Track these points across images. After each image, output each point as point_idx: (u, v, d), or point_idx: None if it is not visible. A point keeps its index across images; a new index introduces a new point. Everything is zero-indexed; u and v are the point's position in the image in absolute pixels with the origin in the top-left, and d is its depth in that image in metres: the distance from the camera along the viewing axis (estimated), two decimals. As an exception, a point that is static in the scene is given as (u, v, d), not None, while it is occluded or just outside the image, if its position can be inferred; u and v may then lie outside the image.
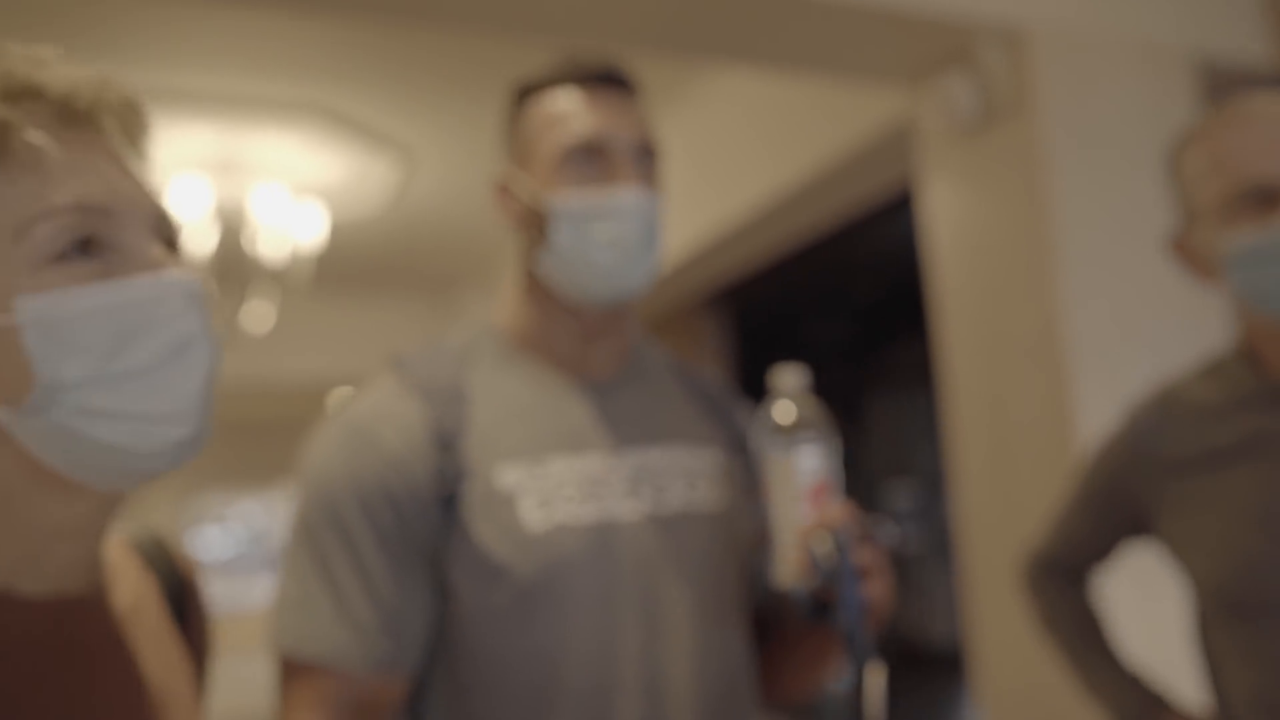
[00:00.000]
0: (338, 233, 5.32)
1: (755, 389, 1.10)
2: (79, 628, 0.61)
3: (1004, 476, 2.45)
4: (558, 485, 0.99)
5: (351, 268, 6.33)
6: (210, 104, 3.91)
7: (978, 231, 2.55)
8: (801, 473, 0.91)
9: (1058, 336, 2.28)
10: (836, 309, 8.02)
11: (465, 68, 3.71)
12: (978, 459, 2.55)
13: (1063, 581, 1.38)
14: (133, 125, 0.61)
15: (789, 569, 0.91)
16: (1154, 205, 2.40)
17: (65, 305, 0.55)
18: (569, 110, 1.01)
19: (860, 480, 8.70)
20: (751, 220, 3.87)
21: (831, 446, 0.94)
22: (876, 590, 0.90)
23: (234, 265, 4.81)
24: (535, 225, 1.03)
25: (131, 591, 0.67)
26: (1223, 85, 2.76)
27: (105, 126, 0.59)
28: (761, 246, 4.39)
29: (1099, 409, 2.24)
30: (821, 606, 0.89)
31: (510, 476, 0.98)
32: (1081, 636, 1.35)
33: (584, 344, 1.07)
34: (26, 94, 0.57)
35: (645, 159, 1.03)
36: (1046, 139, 2.35)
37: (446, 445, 0.98)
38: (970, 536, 2.58)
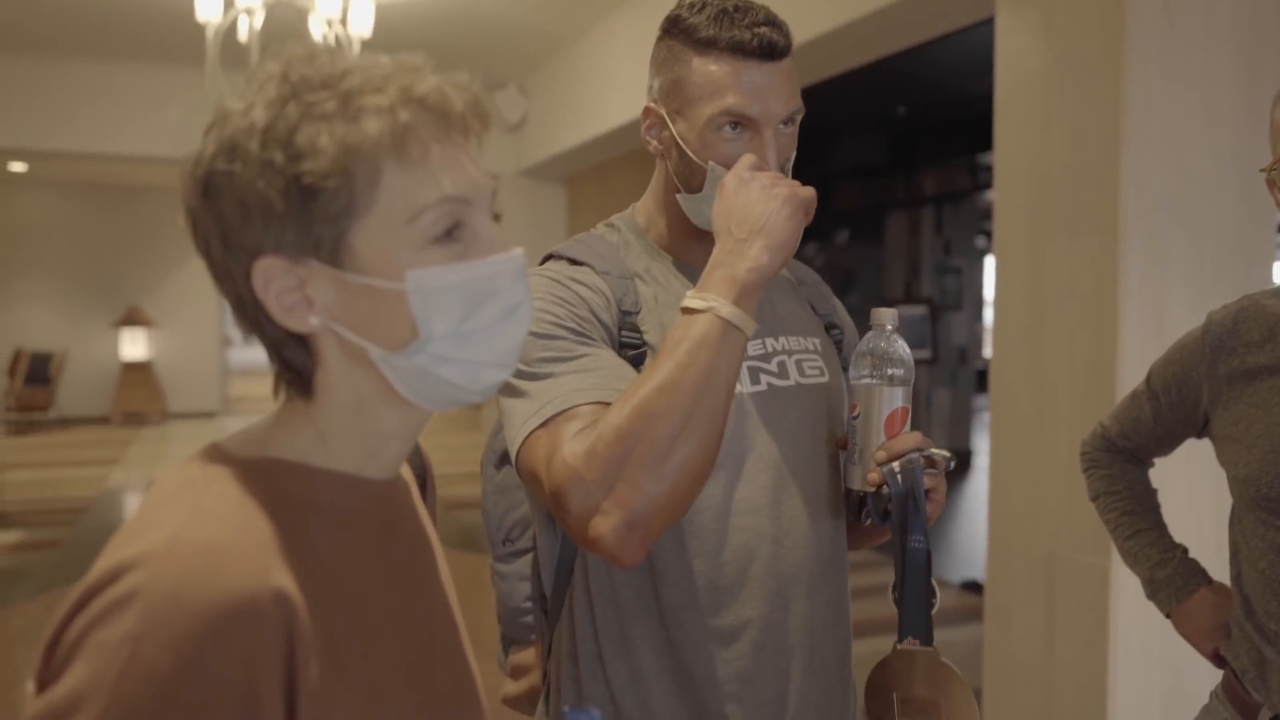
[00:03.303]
0: (384, 21, 5.24)
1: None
2: (398, 504, 0.80)
3: (1040, 325, 2.62)
4: None
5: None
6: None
7: (1046, 88, 2.60)
8: (886, 401, 1.09)
9: (1113, 206, 2.39)
10: (867, 130, 7.95)
11: None
12: (1018, 302, 2.71)
13: (1122, 460, 1.51)
14: (480, 124, 0.73)
15: (866, 477, 1.10)
16: (1229, 89, 2.45)
17: (441, 278, 0.69)
18: (725, 83, 1.10)
19: (873, 301, 8.89)
20: (811, 41, 3.84)
21: (911, 382, 1.12)
22: (933, 508, 1.09)
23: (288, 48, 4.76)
24: (681, 164, 1.15)
25: (405, 475, 0.84)
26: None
27: (465, 128, 0.72)
28: (813, 67, 4.37)
29: (1141, 280, 2.38)
30: (887, 512, 1.09)
31: None
32: (1132, 510, 1.48)
33: (712, 246, 1.20)
34: (416, 102, 0.69)
35: (790, 125, 1.14)
36: (1130, 4, 2.36)
37: (628, 317, 1.14)
38: (1001, 377, 2.78)
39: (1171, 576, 1.43)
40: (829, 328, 1.31)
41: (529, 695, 1.37)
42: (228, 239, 0.68)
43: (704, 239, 1.19)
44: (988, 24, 2.98)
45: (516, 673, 1.41)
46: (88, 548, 5.77)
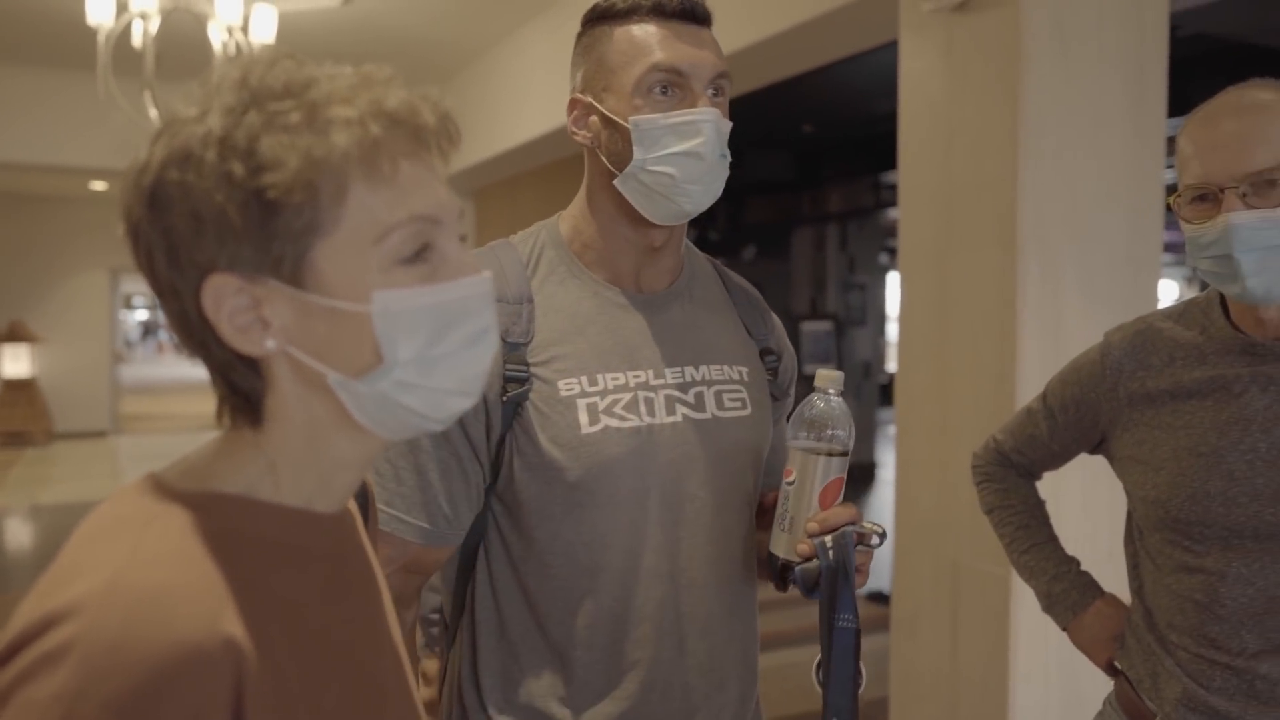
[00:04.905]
0: (287, 31, 5.12)
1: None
2: (347, 538, 0.76)
3: (943, 337, 2.68)
4: (610, 397, 1.10)
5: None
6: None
7: (948, 109, 2.67)
8: (823, 471, 1.05)
9: (1011, 221, 2.46)
10: (775, 148, 8.08)
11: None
12: (922, 314, 2.76)
13: (1014, 474, 1.52)
14: (451, 142, 0.69)
15: (795, 548, 1.05)
16: (1117, 109, 2.55)
17: (408, 301, 0.65)
18: (650, 42, 1.09)
19: (779, 315, 8.98)
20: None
21: (850, 451, 1.07)
22: (859, 580, 1.05)
23: (185, 54, 4.61)
24: (613, 144, 1.11)
25: (350, 505, 0.80)
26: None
27: (435, 145, 0.68)
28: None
29: (1039, 292, 2.46)
30: (815, 584, 1.04)
31: (570, 386, 1.09)
32: (1026, 524, 1.49)
33: (642, 258, 1.16)
34: (387, 115, 0.65)
35: (719, 89, 1.11)
36: (1026, 28, 2.45)
37: (514, 350, 1.08)
38: (906, 390, 2.83)
39: (1068, 591, 1.45)
40: (764, 353, 1.26)
41: (428, 705, 1.36)
42: (175, 254, 0.64)
43: (635, 241, 1.15)
44: (891, 47, 3.05)
45: (424, 679, 1.39)
46: (-35, 575, 5.49)
